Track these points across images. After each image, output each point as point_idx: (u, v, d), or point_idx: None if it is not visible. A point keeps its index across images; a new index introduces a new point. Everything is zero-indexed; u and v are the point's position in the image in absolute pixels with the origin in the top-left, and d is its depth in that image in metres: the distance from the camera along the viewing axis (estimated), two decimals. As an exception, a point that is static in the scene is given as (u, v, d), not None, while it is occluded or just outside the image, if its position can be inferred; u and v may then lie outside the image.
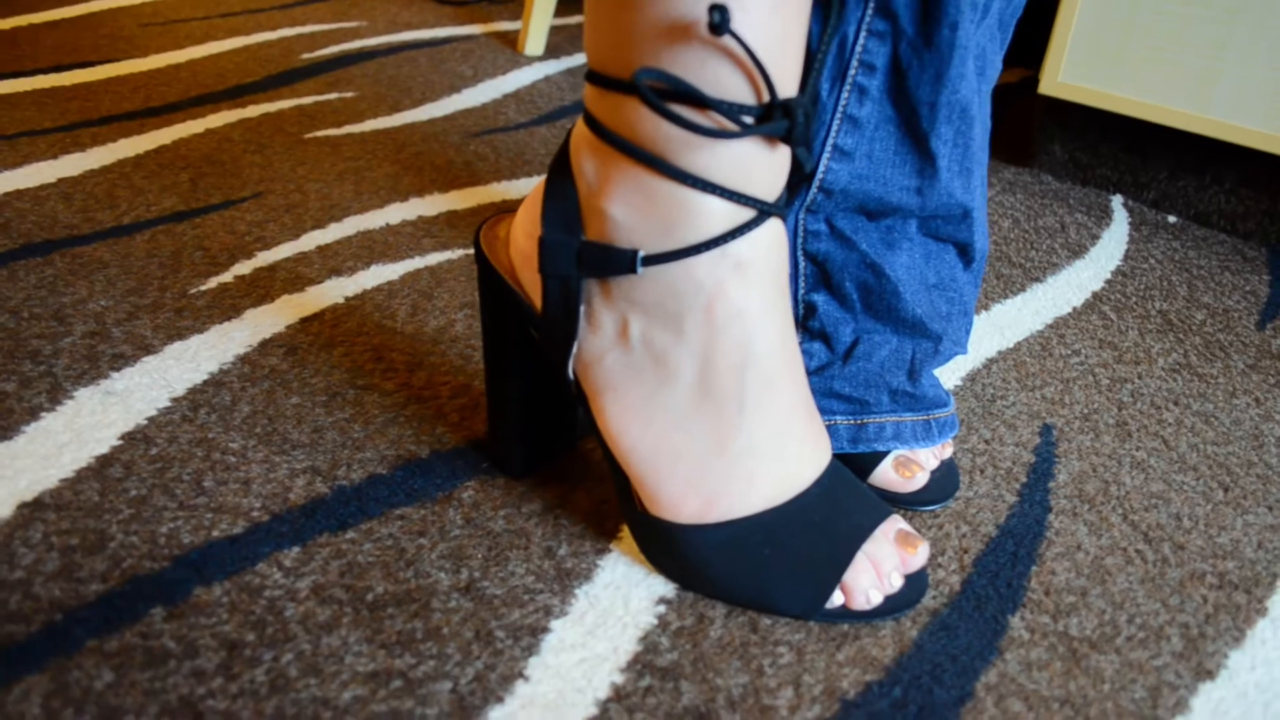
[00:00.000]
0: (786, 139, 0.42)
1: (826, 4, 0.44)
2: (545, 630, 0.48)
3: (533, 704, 0.44)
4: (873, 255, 0.55)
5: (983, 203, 0.58)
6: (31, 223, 0.82)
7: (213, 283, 0.76)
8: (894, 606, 0.50)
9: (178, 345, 0.68)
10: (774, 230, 0.45)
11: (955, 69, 0.50)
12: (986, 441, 0.66)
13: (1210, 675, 0.50)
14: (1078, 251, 0.97)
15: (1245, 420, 0.71)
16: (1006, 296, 0.87)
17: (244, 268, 0.79)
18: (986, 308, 0.85)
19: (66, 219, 0.84)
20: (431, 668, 0.46)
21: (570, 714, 0.44)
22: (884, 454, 0.59)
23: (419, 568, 0.51)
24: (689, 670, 0.47)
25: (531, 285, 0.50)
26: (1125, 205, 1.09)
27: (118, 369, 0.65)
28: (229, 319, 0.72)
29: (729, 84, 0.41)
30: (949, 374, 0.73)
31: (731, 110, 0.40)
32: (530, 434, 0.57)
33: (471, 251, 0.85)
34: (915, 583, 0.51)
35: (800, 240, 0.56)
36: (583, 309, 0.48)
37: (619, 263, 0.45)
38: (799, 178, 0.46)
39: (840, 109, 0.52)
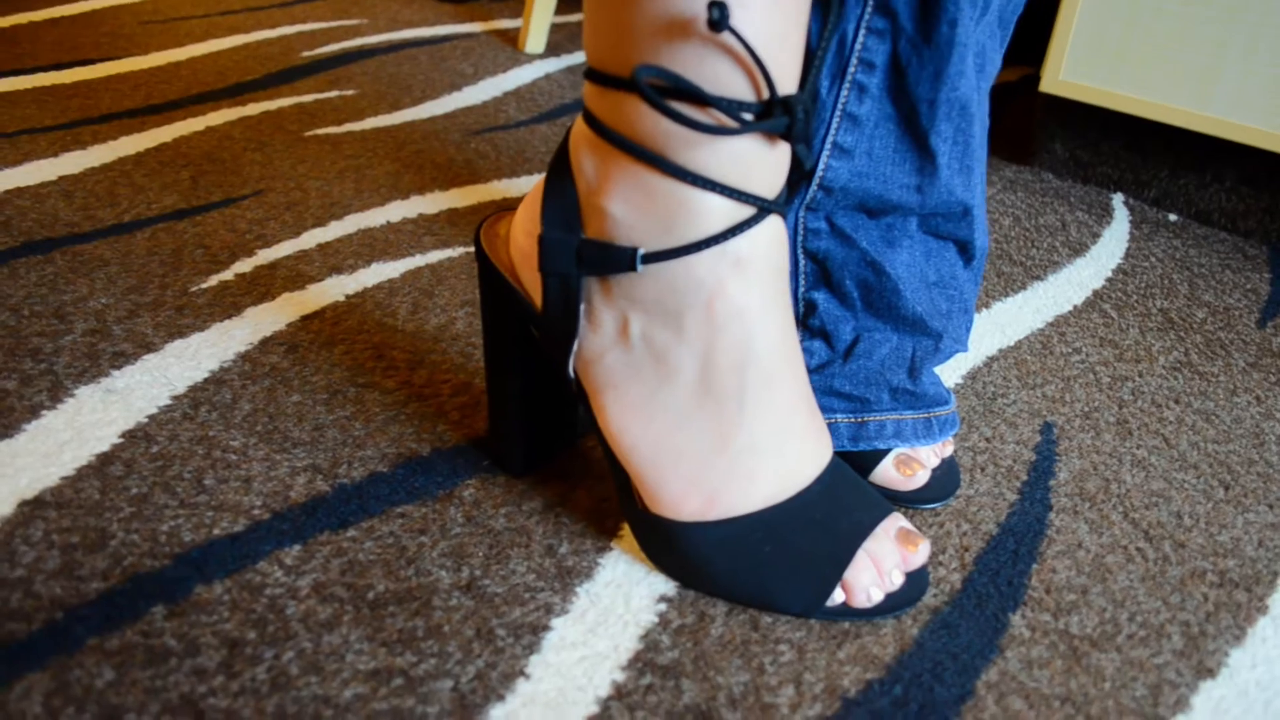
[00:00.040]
0: (786, 136, 0.42)
1: (826, 1, 0.44)
2: (546, 628, 0.48)
3: (534, 702, 0.44)
4: (873, 253, 0.55)
5: (982, 200, 0.58)
6: (32, 220, 0.82)
7: (213, 280, 0.76)
8: (895, 604, 0.50)
9: (178, 343, 0.68)
10: (774, 227, 0.45)
11: (955, 66, 0.50)
12: (987, 439, 0.66)
13: (1211, 673, 0.50)
14: (1078, 250, 0.97)
15: (1246, 418, 0.71)
16: (1007, 294, 0.87)
17: (245, 265, 0.79)
18: (987, 305, 0.85)
19: (67, 217, 0.84)
20: (433, 666, 0.46)
21: (571, 712, 0.44)
22: (885, 452, 0.59)
23: (420, 566, 0.51)
24: (690, 668, 0.47)
25: (531, 283, 0.50)
26: (1126, 203, 1.09)
27: (118, 367, 0.65)
28: (230, 317, 0.72)
29: (728, 81, 0.41)
30: (950, 372, 0.73)
31: (731, 107, 0.40)
32: (531, 432, 0.57)
33: (472, 249, 0.85)
34: (916, 580, 0.51)
35: (800, 238, 0.56)
36: (583, 307, 0.48)
37: (619, 261, 0.45)
38: (799, 175, 0.46)
39: (840, 106, 0.52)
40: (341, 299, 0.75)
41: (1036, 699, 0.47)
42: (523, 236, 0.50)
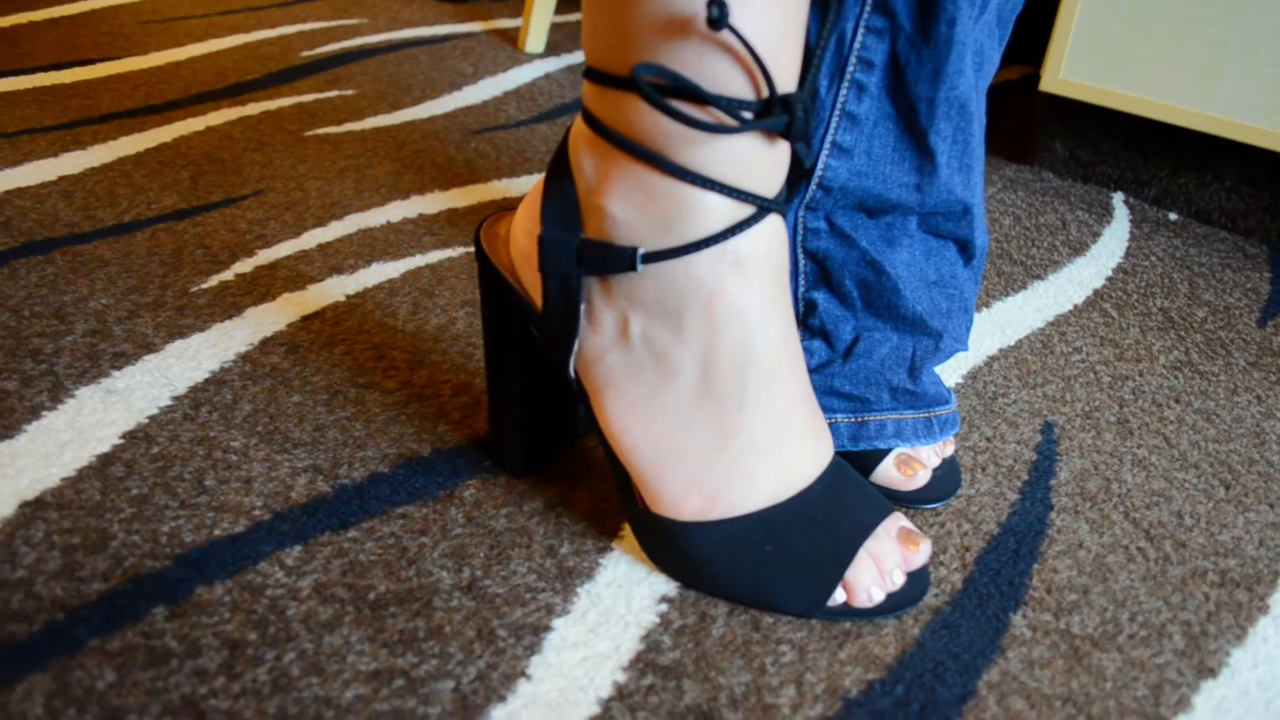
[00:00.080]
0: (786, 134, 0.42)
1: (824, 0, 0.44)
2: (547, 629, 0.48)
3: (535, 703, 0.44)
4: (872, 252, 0.55)
5: (981, 199, 0.57)
6: (32, 221, 0.82)
7: (214, 281, 0.76)
8: (896, 604, 0.50)
9: (179, 343, 0.68)
10: (774, 227, 0.45)
11: (953, 65, 0.50)
12: (988, 439, 0.66)
13: (1212, 673, 0.50)
14: (1079, 249, 0.96)
15: (1247, 418, 0.71)
16: (1007, 294, 0.87)
17: (245, 266, 0.79)
18: (987, 305, 0.84)
19: (67, 217, 0.84)
20: (434, 666, 0.46)
21: (573, 713, 0.44)
22: (885, 452, 0.59)
23: (421, 566, 0.51)
24: (691, 669, 0.47)
25: (532, 284, 0.50)
26: (1126, 202, 1.09)
27: (119, 367, 0.65)
28: (230, 317, 0.72)
29: (728, 79, 0.40)
30: (950, 371, 0.73)
31: (730, 105, 0.40)
32: (531, 432, 0.57)
33: (472, 249, 0.85)
34: (917, 580, 0.51)
35: (800, 238, 0.56)
36: (583, 307, 0.48)
37: (619, 260, 0.45)
38: (798, 174, 0.46)
39: (839, 106, 0.52)
40: (342, 299, 0.75)
41: (1038, 699, 0.47)
42: (523, 236, 0.50)
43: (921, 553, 0.51)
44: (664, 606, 0.50)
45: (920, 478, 0.59)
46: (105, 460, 0.56)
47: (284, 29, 1.44)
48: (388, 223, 0.88)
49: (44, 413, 0.60)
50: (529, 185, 1.00)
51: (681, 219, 0.43)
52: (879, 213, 0.55)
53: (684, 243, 0.44)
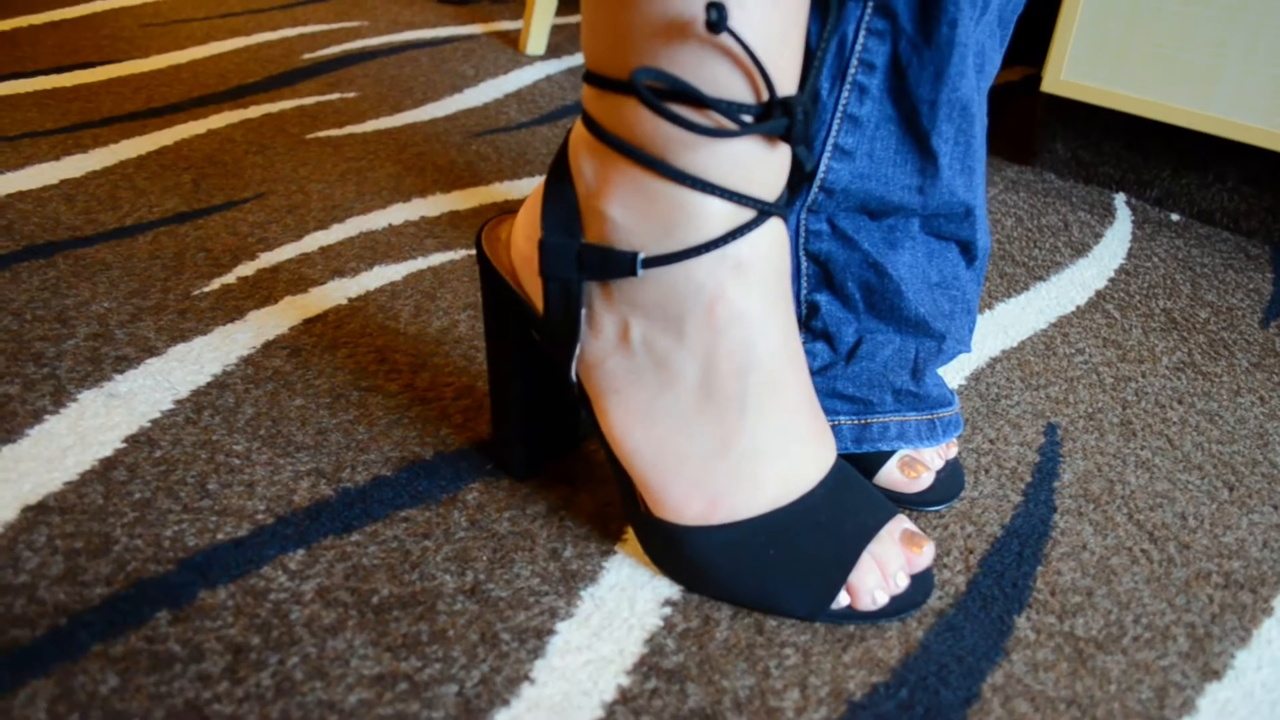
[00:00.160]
0: (786, 137, 0.42)
1: (825, 2, 0.44)
2: (551, 633, 0.48)
3: (538, 707, 0.44)
4: (875, 254, 0.55)
5: (983, 200, 0.57)
6: (34, 224, 0.82)
7: (215, 284, 0.76)
8: (900, 607, 0.50)
9: (181, 347, 0.68)
10: (775, 230, 0.45)
11: (955, 67, 0.50)
12: (991, 441, 0.66)
13: (1217, 675, 0.49)
14: (1081, 250, 0.96)
15: (1250, 419, 0.71)
16: (1010, 295, 0.87)
17: (247, 269, 0.79)
18: (990, 306, 0.84)
19: (69, 220, 0.84)
20: (437, 670, 0.45)
21: (576, 716, 0.44)
22: (888, 454, 0.59)
23: (424, 570, 0.51)
24: (695, 672, 0.47)
25: (532, 287, 0.50)
26: (1128, 203, 1.09)
27: (121, 371, 0.65)
28: (232, 320, 0.72)
29: (727, 83, 0.40)
30: (953, 373, 0.73)
31: (730, 109, 0.40)
32: (534, 435, 0.57)
33: (474, 251, 0.85)
34: (921, 583, 0.51)
35: (802, 240, 0.56)
36: (584, 312, 0.47)
37: (619, 265, 0.45)
38: (800, 177, 0.46)
39: (840, 108, 0.52)
40: (344, 302, 0.75)
41: (1042, 702, 0.47)
42: (523, 240, 0.50)
43: (925, 555, 0.51)
44: (668, 610, 0.50)
45: (923, 480, 0.58)
46: (108, 464, 0.56)
47: (285, 31, 1.44)
48: (389, 225, 0.88)
49: (46, 416, 0.60)
50: (530, 187, 1.00)
51: (682, 223, 0.43)
52: (881, 215, 0.55)
53: (684, 247, 0.44)
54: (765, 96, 0.41)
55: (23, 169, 0.93)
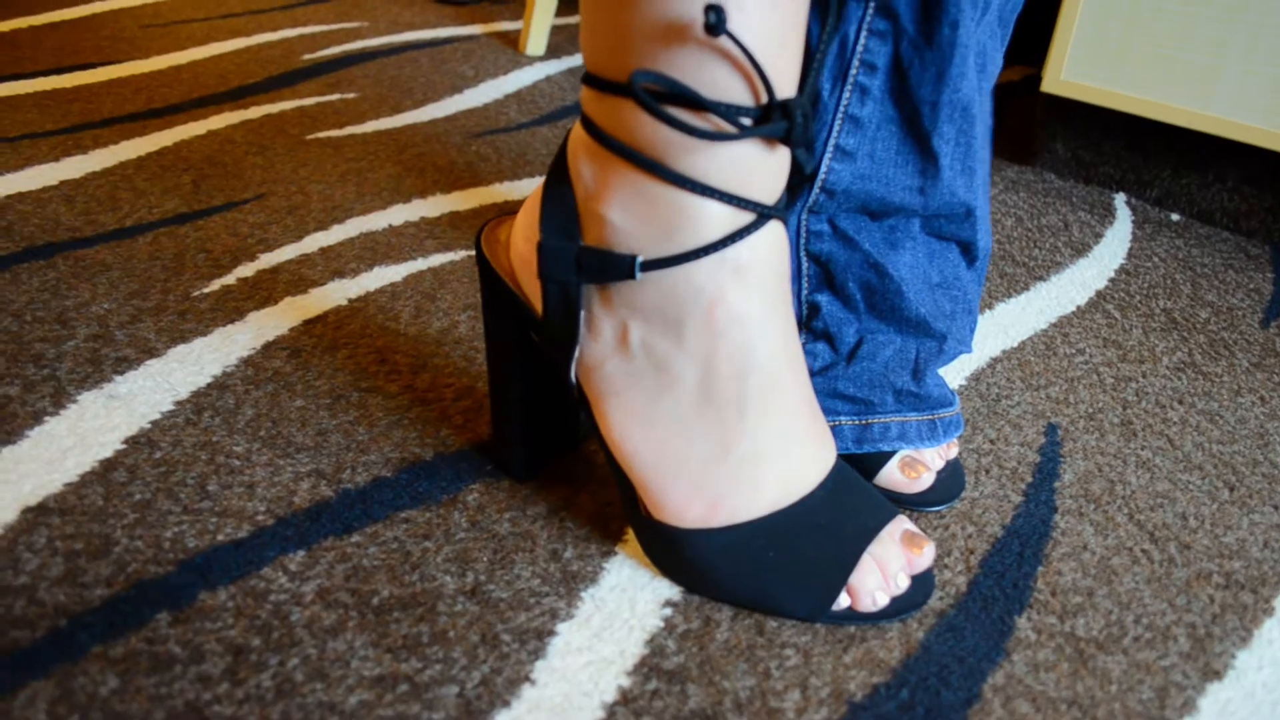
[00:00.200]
0: (786, 140, 0.42)
1: (825, 3, 0.44)
2: (551, 634, 0.48)
3: (539, 708, 0.44)
4: (876, 255, 0.55)
5: (985, 201, 0.57)
6: (34, 225, 0.82)
7: (215, 285, 0.76)
8: (900, 608, 0.50)
9: (181, 348, 0.68)
10: (774, 233, 0.45)
11: (956, 67, 0.50)
12: (992, 441, 0.66)
13: (1218, 675, 0.49)
14: (1081, 250, 0.96)
15: (1250, 419, 0.71)
16: (1010, 295, 0.87)
17: (247, 270, 0.79)
18: (990, 307, 0.84)
19: (69, 221, 0.84)
20: (438, 672, 0.45)
21: (577, 717, 0.44)
22: (889, 454, 0.59)
23: (424, 571, 0.51)
24: (696, 673, 0.47)
25: (532, 289, 0.50)
26: (1128, 203, 1.09)
27: (121, 372, 0.65)
28: (232, 321, 0.72)
29: (726, 85, 0.40)
30: (953, 373, 0.73)
31: (729, 112, 0.40)
32: (533, 436, 0.57)
33: (474, 252, 0.85)
34: (921, 584, 0.51)
35: (803, 241, 0.56)
36: (583, 314, 0.47)
37: (618, 268, 0.45)
38: (800, 179, 0.46)
39: (842, 109, 0.52)
40: (344, 303, 0.75)
41: (1043, 702, 0.47)
42: (522, 242, 0.49)
43: (925, 556, 0.51)
44: (668, 611, 0.50)
45: (924, 480, 0.58)
46: (108, 465, 0.56)
47: (285, 32, 1.44)
48: (389, 226, 0.88)
49: (46, 418, 0.60)
50: (530, 188, 1.00)
51: (681, 227, 0.43)
52: (882, 215, 0.55)
53: (684, 250, 0.44)
54: (764, 99, 0.41)
55: (23, 170, 0.93)
